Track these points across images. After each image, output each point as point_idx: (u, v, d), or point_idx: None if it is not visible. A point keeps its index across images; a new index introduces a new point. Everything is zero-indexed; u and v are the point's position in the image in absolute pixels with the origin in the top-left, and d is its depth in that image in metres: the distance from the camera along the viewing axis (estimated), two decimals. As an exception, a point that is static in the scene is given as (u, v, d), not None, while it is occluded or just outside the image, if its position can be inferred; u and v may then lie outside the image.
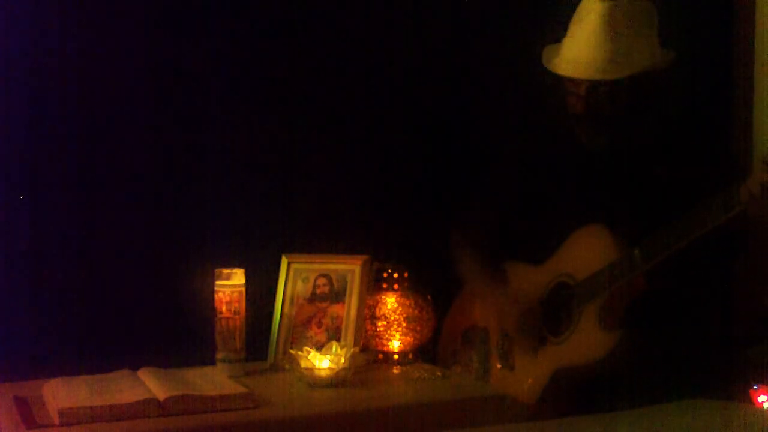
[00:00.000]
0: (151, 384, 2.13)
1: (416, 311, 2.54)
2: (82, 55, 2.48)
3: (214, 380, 2.21)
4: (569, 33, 2.34)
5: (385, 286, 2.56)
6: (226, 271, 2.39)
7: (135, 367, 2.28)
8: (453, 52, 2.85)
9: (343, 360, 2.29)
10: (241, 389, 2.14)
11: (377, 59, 2.78)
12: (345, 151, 2.76)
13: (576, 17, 2.33)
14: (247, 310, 2.40)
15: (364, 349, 2.49)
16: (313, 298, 2.52)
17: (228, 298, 2.37)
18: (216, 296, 2.38)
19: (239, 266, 2.41)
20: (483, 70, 2.86)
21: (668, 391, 2.06)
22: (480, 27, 2.87)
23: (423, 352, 2.58)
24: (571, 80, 2.33)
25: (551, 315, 2.41)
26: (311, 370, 2.28)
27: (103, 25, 2.50)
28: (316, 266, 2.54)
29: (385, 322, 2.52)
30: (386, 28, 2.78)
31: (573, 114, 2.35)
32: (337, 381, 2.27)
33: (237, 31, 2.63)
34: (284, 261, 2.54)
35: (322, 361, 2.29)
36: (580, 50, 2.29)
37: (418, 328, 2.54)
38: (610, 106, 2.31)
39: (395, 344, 2.53)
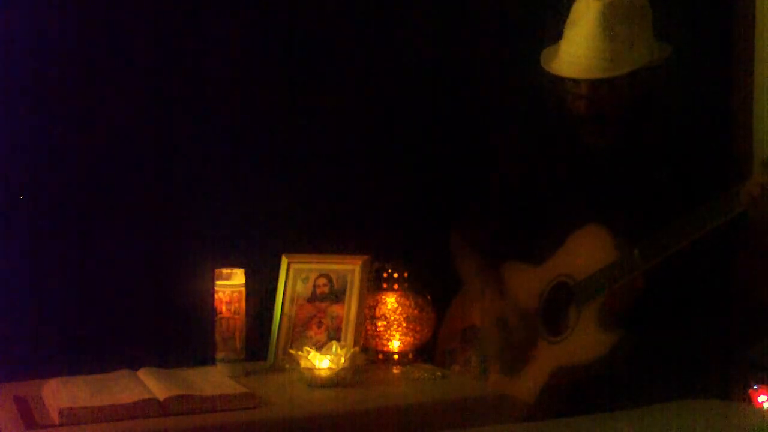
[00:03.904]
0: (151, 384, 2.13)
1: (416, 311, 2.54)
2: (82, 55, 2.48)
3: (214, 380, 2.21)
4: (565, 35, 2.34)
5: (385, 286, 2.56)
6: (226, 271, 2.40)
7: (135, 367, 2.28)
8: (453, 52, 2.84)
9: (343, 360, 2.29)
10: (241, 389, 2.14)
11: (377, 60, 2.77)
12: (345, 151, 2.75)
13: (570, 18, 2.33)
14: (247, 310, 2.40)
15: (364, 349, 2.48)
16: (313, 298, 2.52)
17: (228, 298, 2.38)
18: (216, 296, 2.38)
19: (239, 266, 2.41)
20: (483, 71, 2.85)
21: (668, 391, 2.06)
22: (480, 27, 2.86)
23: (423, 352, 2.58)
24: (572, 80, 2.33)
25: (550, 315, 2.41)
26: (311, 370, 2.28)
27: (104, 26, 2.50)
28: (316, 266, 2.54)
29: (385, 322, 2.52)
30: (387, 28, 2.78)
31: (576, 114, 2.35)
32: (337, 381, 2.27)
33: (238, 30, 2.63)
34: (284, 261, 2.54)
35: (322, 361, 2.30)
36: (577, 51, 2.29)
37: (418, 328, 2.54)
38: (612, 104, 2.31)
39: (395, 344, 2.53)
